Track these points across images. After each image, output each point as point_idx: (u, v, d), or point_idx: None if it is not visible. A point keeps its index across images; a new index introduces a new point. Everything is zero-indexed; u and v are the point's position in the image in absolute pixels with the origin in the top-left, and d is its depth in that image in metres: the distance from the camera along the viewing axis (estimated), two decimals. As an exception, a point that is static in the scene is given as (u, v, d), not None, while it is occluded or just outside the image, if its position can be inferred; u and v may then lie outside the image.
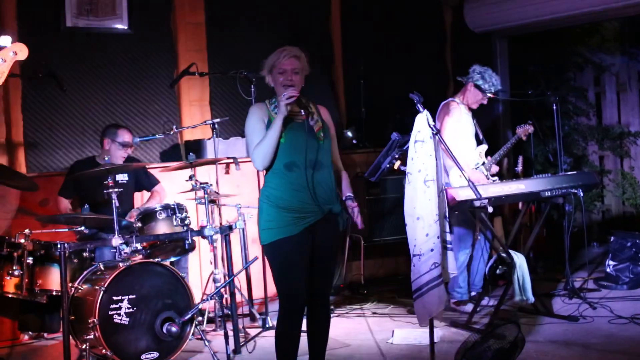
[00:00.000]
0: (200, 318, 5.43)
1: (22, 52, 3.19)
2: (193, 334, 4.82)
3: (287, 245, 3.75)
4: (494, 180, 5.78)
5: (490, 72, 5.84)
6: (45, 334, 5.50)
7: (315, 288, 3.92)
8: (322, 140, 3.86)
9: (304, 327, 3.93)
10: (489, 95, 5.83)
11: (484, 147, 5.87)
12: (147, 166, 6.00)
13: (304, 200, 3.76)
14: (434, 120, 3.93)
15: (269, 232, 3.79)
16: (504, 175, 6.65)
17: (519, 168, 6.28)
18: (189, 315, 4.75)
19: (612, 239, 6.64)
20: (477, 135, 5.93)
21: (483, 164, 5.81)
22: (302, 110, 3.81)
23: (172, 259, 5.44)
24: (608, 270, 6.50)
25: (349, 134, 7.15)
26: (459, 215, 5.71)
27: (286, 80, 3.81)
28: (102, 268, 4.83)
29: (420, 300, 3.80)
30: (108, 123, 5.97)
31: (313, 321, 4.00)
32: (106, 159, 5.42)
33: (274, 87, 3.89)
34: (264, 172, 3.90)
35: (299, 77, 3.85)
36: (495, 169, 5.86)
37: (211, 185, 5.29)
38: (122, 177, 5.72)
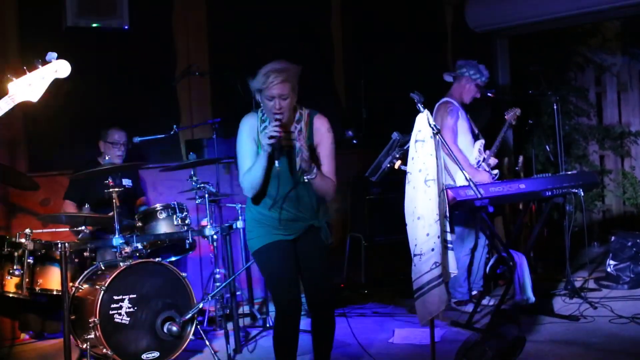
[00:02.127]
0: (200, 318, 5.44)
1: (63, 70, 3.17)
2: (194, 334, 4.81)
3: (271, 250, 3.81)
4: (495, 174, 5.77)
5: (480, 64, 5.89)
6: (46, 334, 5.50)
7: (312, 297, 3.93)
8: (306, 182, 3.77)
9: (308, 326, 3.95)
10: (483, 89, 5.86)
11: (481, 142, 5.87)
12: (148, 166, 6.01)
13: (282, 221, 3.81)
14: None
15: (254, 240, 3.87)
16: (504, 174, 6.65)
17: (520, 167, 6.28)
18: (190, 315, 4.75)
19: (613, 238, 6.64)
20: (472, 131, 5.93)
21: (484, 160, 5.80)
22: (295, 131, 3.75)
23: (173, 258, 5.44)
24: (609, 269, 6.50)
25: (350, 133, 7.15)
26: (461, 214, 5.71)
27: (274, 108, 3.67)
28: (103, 267, 4.83)
29: (421, 299, 3.80)
30: (108, 123, 5.98)
31: (316, 328, 4.01)
32: (107, 158, 5.44)
33: (263, 106, 3.78)
34: None
35: (288, 101, 3.69)
36: (494, 161, 5.85)
37: (212, 184, 5.30)
38: (127, 182, 5.73)
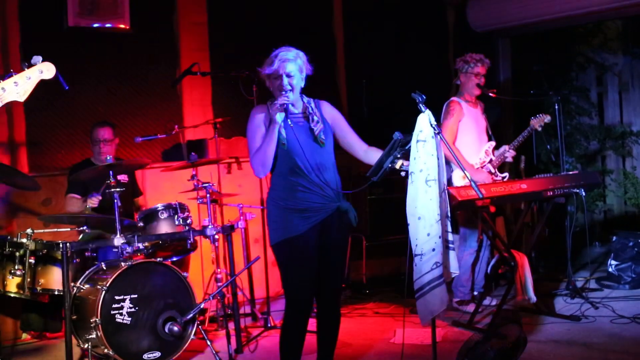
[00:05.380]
0: (202, 317, 5.44)
1: (48, 71, 3.24)
2: (195, 334, 4.81)
3: (292, 245, 3.78)
4: (502, 178, 5.77)
5: (470, 53, 5.89)
6: (48, 334, 5.50)
7: (324, 286, 3.94)
8: (324, 144, 3.87)
9: (311, 327, 3.95)
10: (483, 87, 5.86)
11: (492, 143, 5.87)
12: (150, 166, 6.00)
13: (309, 201, 3.79)
14: (437, 121, 3.93)
15: (276, 232, 3.84)
16: (520, 174, 6.64)
17: (521, 167, 6.28)
18: (191, 315, 4.75)
19: (614, 238, 6.64)
20: (483, 130, 5.93)
21: (490, 161, 5.80)
22: (301, 113, 3.84)
23: (174, 258, 5.44)
24: (610, 269, 6.50)
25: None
26: (465, 214, 5.71)
27: (281, 85, 3.81)
28: (104, 267, 4.83)
29: (422, 300, 3.79)
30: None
31: (322, 320, 4.02)
32: (108, 158, 5.43)
33: (272, 91, 3.90)
34: (269, 174, 3.92)
35: (295, 79, 3.84)
36: (511, 153, 5.85)
37: (213, 184, 5.30)
38: (121, 177, 5.71)
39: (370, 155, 4.05)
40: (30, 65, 3.22)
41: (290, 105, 3.87)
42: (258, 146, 3.80)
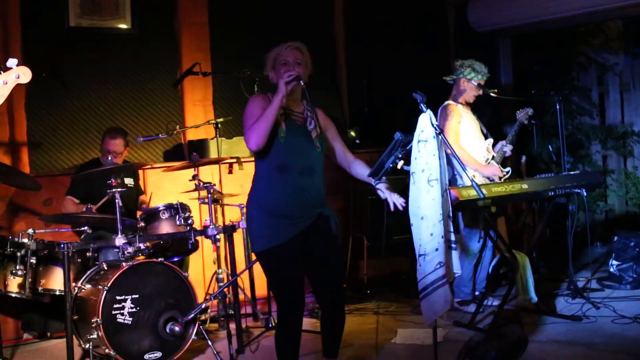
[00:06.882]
0: (203, 318, 5.44)
1: (25, 75, 3.19)
2: (196, 334, 4.81)
3: (280, 252, 3.74)
4: (507, 172, 5.77)
5: (477, 62, 5.88)
6: (49, 334, 5.50)
7: (325, 287, 3.92)
8: (319, 149, 3.85)
9: (313, 327, 3.95)
10: (484, 87, 5.85)
11: (490, 141, 5.88)
12: (151, 166, 6.01)
13: (294, 204, 3.75)
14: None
15: (262, 239, 3.78)
16: (522, 173, 6.63)
17: (522, 166, 6.27)
18: (192, 315, 4.74)
19: (616, 238, 6.63)
20: (480, 131, 5.93)
21: (492, 158, 5.81)
22: (303, 112, 3.83)
23: (175, 258, 5.44)
24: (611, 270, 6.50)
25: (352, 133, 7.15)
26: (468, 215, 5.71)
27: (288, 69, 3.77)
28: (106, 268, 4.83)
29: (426, 300, 3.79)
30: (111, 123, 6.00)
31: (327, 320, 4.00)
32: (110, 158, 5.45)
33: (276, 82, 3.86)
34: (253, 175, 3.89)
35: (302, 68, 3.81)
36: (509, 147, 5.86)
37: (214, 185, 5.30)
38: (128, 181, 5.73)
39: (355, 167, 4.04)
40: (6, 69, 3.18)
41: (290, 102, 3.86)
42: (257, 118, 3.74)
